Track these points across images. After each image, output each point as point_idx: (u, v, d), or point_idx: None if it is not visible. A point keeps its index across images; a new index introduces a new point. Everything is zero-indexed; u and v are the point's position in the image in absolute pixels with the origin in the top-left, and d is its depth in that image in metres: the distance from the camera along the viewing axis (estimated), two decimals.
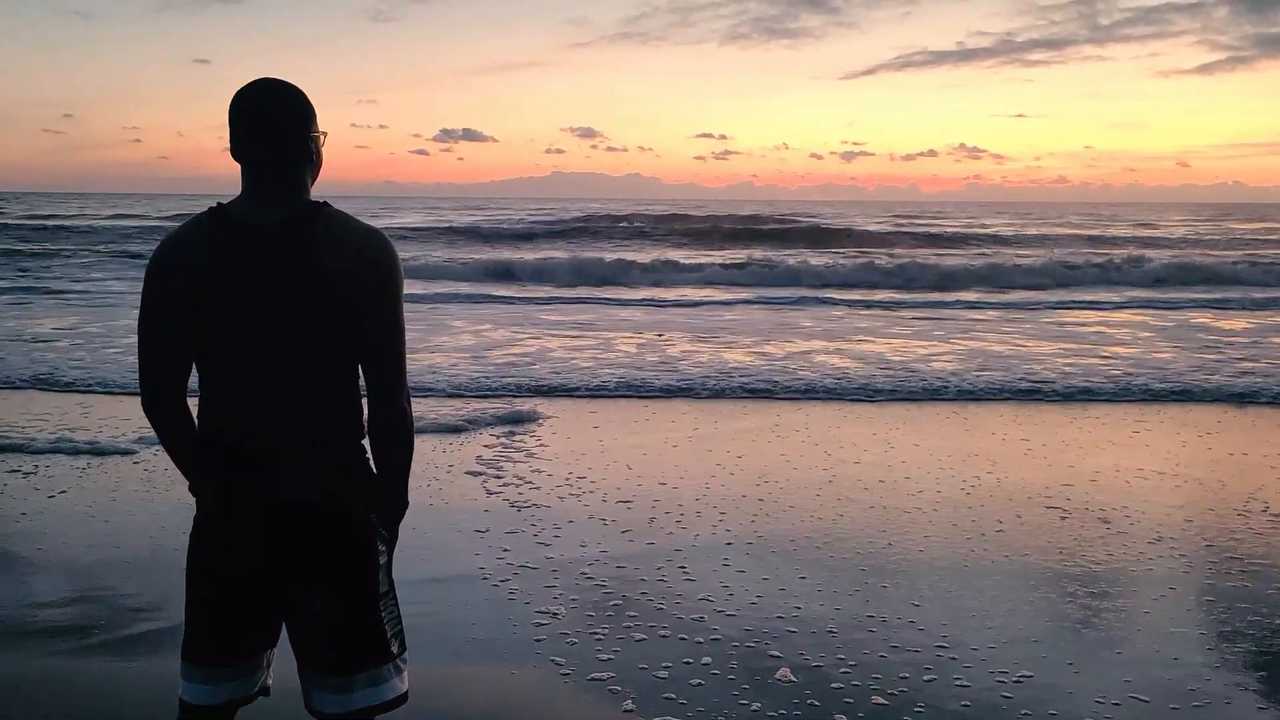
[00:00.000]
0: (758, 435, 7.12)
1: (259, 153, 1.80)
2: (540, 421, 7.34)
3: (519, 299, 16.75)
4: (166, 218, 38.75)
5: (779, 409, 8.09)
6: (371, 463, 1.92)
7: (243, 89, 1.82)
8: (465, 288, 18.18)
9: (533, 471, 5.97)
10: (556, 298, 17.10)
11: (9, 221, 33.69)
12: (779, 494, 5.55)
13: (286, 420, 1.79)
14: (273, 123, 1.80)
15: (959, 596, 4.06)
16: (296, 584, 1.84)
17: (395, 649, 1.94)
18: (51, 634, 3.57)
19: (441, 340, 11.47)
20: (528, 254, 24.42)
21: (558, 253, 24.05)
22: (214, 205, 1.83)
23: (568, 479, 5.82)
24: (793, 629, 3.69)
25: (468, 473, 5.99)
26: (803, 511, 5.23)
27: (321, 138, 1.91)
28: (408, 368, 1.91)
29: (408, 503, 1.99)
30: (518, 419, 7.39)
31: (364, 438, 1.90)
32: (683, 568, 4.34)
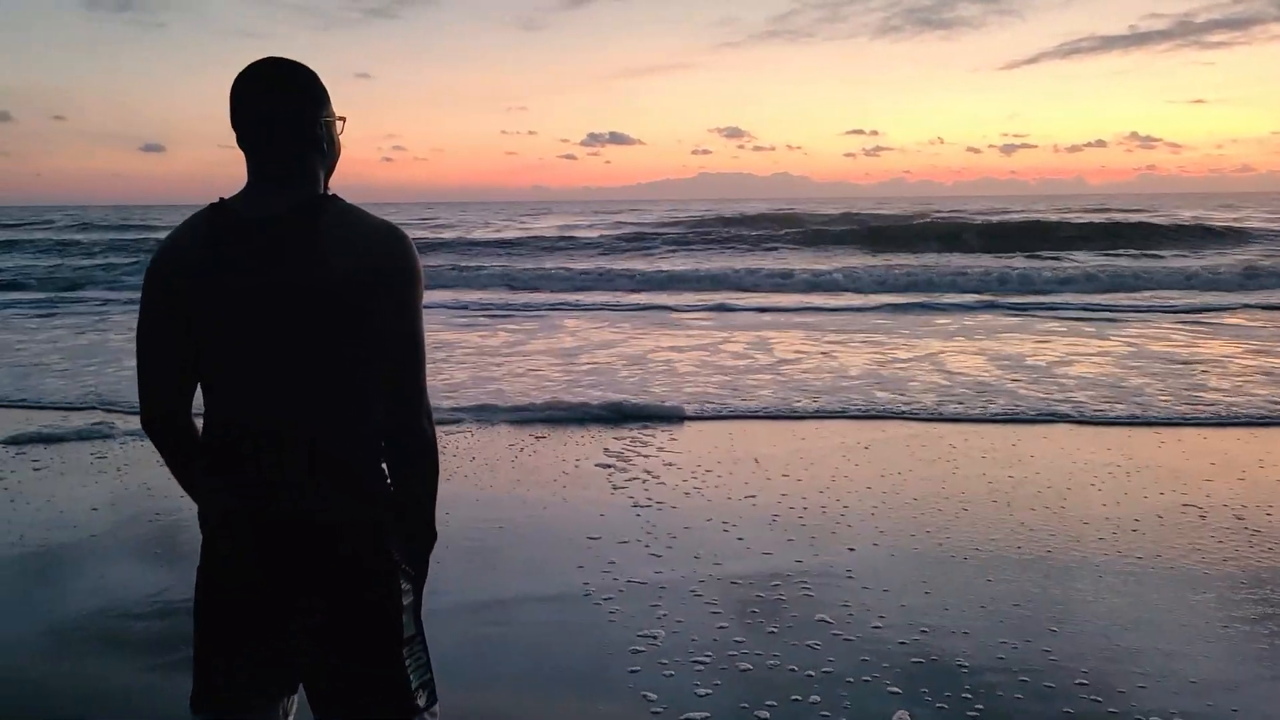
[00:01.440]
0: (891, 448, 6.64)
1: (256, 140, 1.63)
2: (690, 425, 7.14)
3: (747, 306, 15.53)
4: None
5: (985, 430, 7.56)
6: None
7: (241, 71, 1.64)
8: (676, 297, 17.07)
9: (665, 465, 5.91)
10: (777, 306, 15.59)
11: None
12: (934, 513, 5.11)
13: (285, 430, 1.60)
14: (270, 107, 1.61)
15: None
16: (301, 610, 1.63)
17: (423, 701, 1.71)
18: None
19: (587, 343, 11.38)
20: (751, 261, 23.22)
21: (780, 261, 22.85)
22: (216, 201, 1.65)
23: (696, 478, 5.64)
24: (917, 659, 3.30)
25: (597, 465, 6.02)
26: (938, 532, 4.78)
27: (339, 123, 1.72)
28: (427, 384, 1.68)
29: (434, 534, 1.76)
30: (670, 415, 7.30)
31: (383, 459, 1.68)
32: (804, 587, 4.00)
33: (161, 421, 1.68)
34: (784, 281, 19.08)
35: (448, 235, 32.71)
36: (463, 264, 22.85)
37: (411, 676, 1.69)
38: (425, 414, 1.66)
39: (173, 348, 1.63)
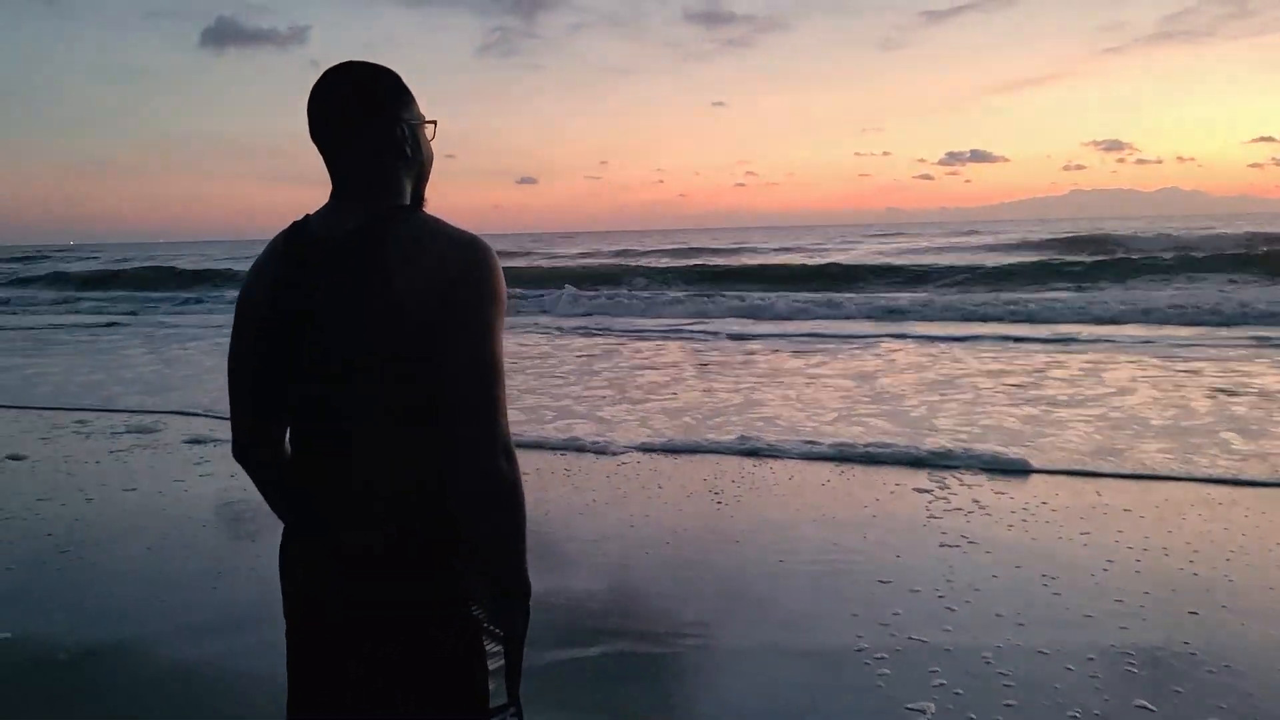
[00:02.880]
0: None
1: (328, 151, 1.51)
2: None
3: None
4: (614, 253, 40.98)
5: None
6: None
7: (316, 80, 1.53)
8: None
9: (995, 494, 5.22)
10: None
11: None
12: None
13: (350, 461, 1.44)
14: (340, 114, 1.49)
15: None
16: (368, 655, 1.44)
17: None
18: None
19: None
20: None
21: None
22: (299, 219, 1.54)
23: (1023, 514, 4.89)
24: None
25: (915, 489, 5.58)
26: None
27: (428, 127, 1.57)
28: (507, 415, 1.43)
29: (527, 589, 1.49)
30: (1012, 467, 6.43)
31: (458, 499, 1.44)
32: (1129, 666, 3.23)
33: (243, 453, 1.59)
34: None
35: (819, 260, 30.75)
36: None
37: None
38: (501, 449, 1.40)
39: (252, 378, 1.54)
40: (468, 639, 1.42)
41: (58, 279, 34.30)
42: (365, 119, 1.47)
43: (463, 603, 1.42)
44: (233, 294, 13.81)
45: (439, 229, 1.44)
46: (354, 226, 1.44)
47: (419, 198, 1.57)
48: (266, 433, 1.56)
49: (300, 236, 1.48)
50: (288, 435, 1.55)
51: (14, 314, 24.41)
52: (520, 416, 7.93)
